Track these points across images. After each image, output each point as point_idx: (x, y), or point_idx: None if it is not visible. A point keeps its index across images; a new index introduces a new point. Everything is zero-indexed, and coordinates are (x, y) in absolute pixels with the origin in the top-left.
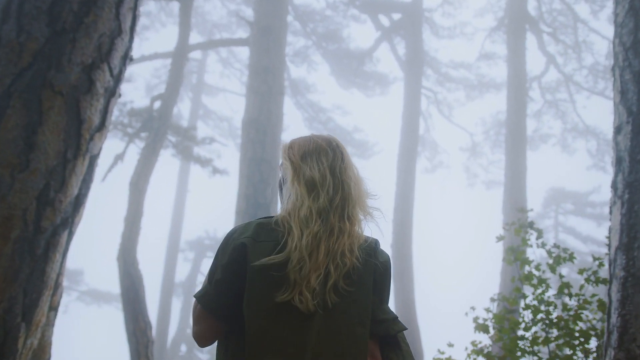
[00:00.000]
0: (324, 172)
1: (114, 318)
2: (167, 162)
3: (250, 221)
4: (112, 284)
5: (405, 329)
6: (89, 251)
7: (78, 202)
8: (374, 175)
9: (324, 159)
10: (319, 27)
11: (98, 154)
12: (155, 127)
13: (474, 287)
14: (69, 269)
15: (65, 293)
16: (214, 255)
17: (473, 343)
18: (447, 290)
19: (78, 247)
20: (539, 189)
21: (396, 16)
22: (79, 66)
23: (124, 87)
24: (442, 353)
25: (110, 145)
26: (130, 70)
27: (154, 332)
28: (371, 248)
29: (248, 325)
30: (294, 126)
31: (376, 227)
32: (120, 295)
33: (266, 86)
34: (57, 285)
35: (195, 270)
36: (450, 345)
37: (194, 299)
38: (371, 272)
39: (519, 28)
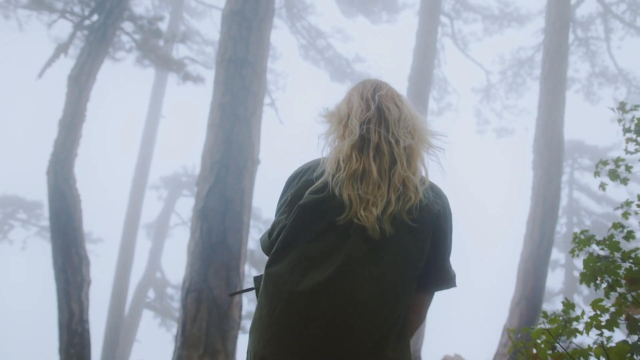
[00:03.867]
0: (358, 101)
1: None
2: (138, 80)
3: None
4: None
5: (455, 286)
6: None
7: None
8: None
9: (356, 92)
10: None
11: None
12: (107, 7)
13: (490, 238)
14: (26, 201)
15: (23, 228)
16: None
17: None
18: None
19: (35, 176)
20: None
21: None
22: None
23: None
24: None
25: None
26: None
27: (111, 275)
28: (438, 195)
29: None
30: (287, 54)
31: (437, 163)
32: (49, 219)
33: None
34: None
35: (169, 209)
36: (570, 305)
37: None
38: (433, 221)
39: None
